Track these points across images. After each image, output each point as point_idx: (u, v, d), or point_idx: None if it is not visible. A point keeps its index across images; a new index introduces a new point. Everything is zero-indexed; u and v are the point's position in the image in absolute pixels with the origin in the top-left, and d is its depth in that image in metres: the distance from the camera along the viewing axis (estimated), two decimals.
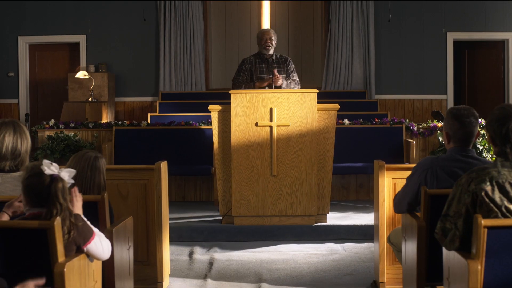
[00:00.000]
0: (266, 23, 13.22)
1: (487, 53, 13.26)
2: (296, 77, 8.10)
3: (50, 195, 3.35)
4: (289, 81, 7.99)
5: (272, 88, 7.71)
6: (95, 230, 3.59)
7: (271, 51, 8.06)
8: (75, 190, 3.60)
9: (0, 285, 3.18)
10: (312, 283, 5.67)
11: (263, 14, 13.22)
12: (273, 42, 8.03)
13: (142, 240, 5.41)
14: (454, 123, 4.16)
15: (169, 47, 12.84)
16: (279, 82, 7.79)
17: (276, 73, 7.78)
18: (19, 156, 4.10)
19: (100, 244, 3.58)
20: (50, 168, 3.37)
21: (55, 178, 3.36)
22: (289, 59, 8.16)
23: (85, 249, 3.49)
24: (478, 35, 12.94)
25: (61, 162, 8.93)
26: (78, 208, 3.59)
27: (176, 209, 8.19)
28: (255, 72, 7.98)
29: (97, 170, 4.23)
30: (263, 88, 7.76)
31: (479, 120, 7.40)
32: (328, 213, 7.41)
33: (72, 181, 3.48)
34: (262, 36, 8.03)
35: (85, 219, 3.53)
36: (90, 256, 3.57)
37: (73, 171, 3.48)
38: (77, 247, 3.46)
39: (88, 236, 3.49)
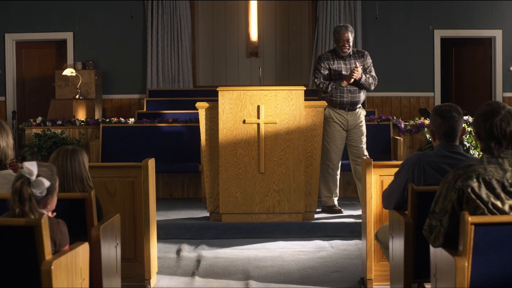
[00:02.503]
0: (253, 22, 13.24)
1: (474, 51, 13.30)
2: (373, 73, 7.81)
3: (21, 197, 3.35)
4: (367, 76, 7.71)
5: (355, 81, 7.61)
6: None
7: (349, 51, 7.75)
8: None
9: None
10: (299, 280, 5.68)
11: (251, 13, 13.23)
12: (350, 43, 7.70)
13: (129, 237, 5.40)
14: (437, 118, 4.20)
15: (157, 44, 12.83)
16: (357, 75, 7.53)
17: (358, 64, 7.58)
18: None
19: None
20: (27, 171, 3.36)
21: (24, 181, 3.36)
22: (366, 54, 7.88)
23: None
24: (465, 32, 12.98)
25: (48, 159, 8.88)
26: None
27: (163, 206, 8.18)
28: (333, 69, 7.70)
29: (76, 161, 4.21)
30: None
31: (466, 117, 7.40)
32: (315, 210, 7.42)
33: (45, 188, 3.43)
34: (339, 38, 7.69)
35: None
36: None
37: (47, 182, 3.42)
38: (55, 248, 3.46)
39: (66, 243, 3.51)
